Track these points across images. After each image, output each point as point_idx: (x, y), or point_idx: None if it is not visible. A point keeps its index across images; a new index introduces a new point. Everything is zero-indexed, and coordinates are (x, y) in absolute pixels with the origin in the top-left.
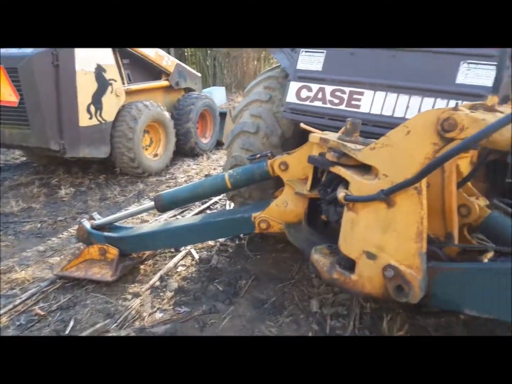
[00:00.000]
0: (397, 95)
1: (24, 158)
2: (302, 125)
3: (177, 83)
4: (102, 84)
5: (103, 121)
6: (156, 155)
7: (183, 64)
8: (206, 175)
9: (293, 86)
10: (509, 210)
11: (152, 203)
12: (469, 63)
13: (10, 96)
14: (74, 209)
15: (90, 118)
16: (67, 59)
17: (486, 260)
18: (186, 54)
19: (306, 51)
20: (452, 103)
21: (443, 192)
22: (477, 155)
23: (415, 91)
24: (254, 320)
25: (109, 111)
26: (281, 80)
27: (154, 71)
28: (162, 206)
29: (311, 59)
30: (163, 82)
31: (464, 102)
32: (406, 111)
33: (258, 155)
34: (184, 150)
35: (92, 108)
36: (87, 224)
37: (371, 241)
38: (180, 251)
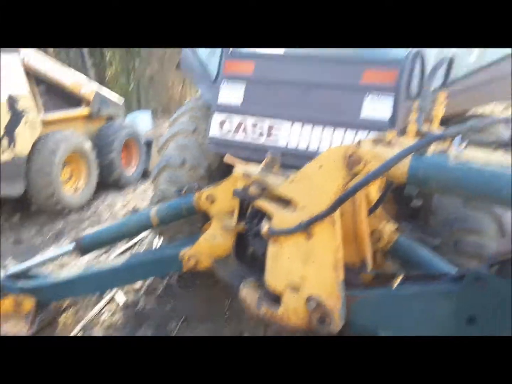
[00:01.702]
0: (311, 127)
1: None
2: (226, 157)
3: (98, 111)
4: (15, 115)
5: (17, 155)
6: (77, 189)
7: (104, 91)
8: (133, 208)
9: (216, 118)
10: (415, 233)
11: (72, 245)
12: (371, 97)
13: None
14: None
15: (3, 152)
16: None
17: (395, 285)
18: (106, 78)
19: (226, 84)
20: (360, 134)
21: (355, 220)
22: (385, 182)
23: (328, 123)
24: None
25: (24, 144)
26: (207, 110)
27: (73, 99)
28: (83, 248)
29: (232, 92)
30: (82, 111)
31: (371, 134)
32: (319, 144)
33: (184, 189)
34: (108, 182)
35: (4, 142)
36: None
37: (294, 273)
38: (104, 296)
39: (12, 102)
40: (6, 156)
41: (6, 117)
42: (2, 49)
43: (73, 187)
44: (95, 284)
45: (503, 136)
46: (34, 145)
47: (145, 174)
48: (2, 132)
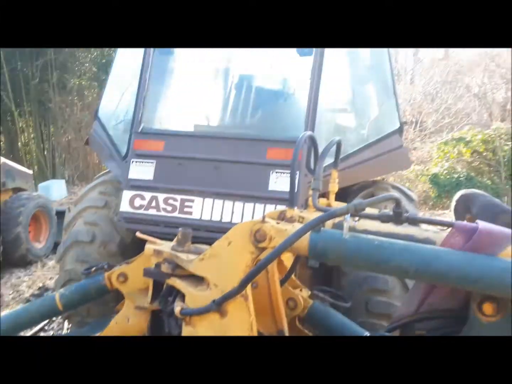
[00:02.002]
0: (223, 201)
1: None
2: (138, 234)
3: (4, 184)
4: None
5: None
6: None
7: (9, 162)
8: (39, 288)
9: (126, 195)
10: (327, 299)
11: None
12: (277, 172)
13: None
14: None
15: None
16: None
17: None
18: (19, 144)
19: (137, 161)
20: (269, 207)
21: (270, 292)
22: None
23: (238, 197)
24: None
25: None
26: (117, 185)
27: None
28: None
29: (142, 169)
30: None
31: (278, 206)
32: (232, 216)
33: (93, 268)
34: (14, 260)
35: None
36: None
37: None
38: None
39: None
40: None
41: None
42: None
43: None
44: None
45: (389, 211)
46: None
47: (55, 248)
48: None
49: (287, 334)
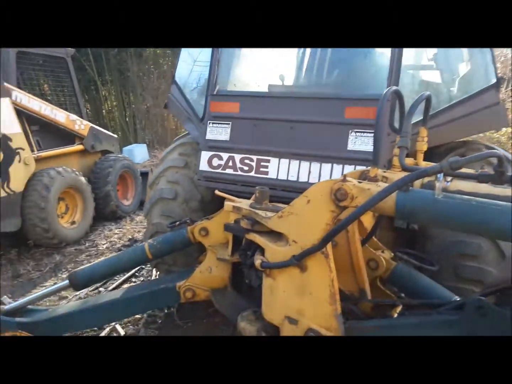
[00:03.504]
0: (299, 162)
1: None
2: (217, 192)
3: (92, 146)
4: (9, 154)
5: (12, 192)
6: (73, 222)
7: (97, 127)
8: (129, 240)
9: (205, 155)
10: (412, 261)
11: (67, 281)
12: (356, 131)
13: None
14: None
15: None
16: None
17: (395, 315)
18: (103, 111)
19: (213, 123)
20: (348, 168)
21: (350, 251)
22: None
23: (314, 158)
24: None
25: (18, 181)
26: (195, 146)
27: (67, 136)
28: (78, 284)
29: (219, 130)
30: (77, 147)
31: (357, 167)
32: (308, 176)
33: (177, 222)
34: (105, 214)
35: None
36: None
37: (291, 306)
38: (104, 328)
39: (5, 141)
40: (1, 193)
41: None
42: None
43: (70, 221)
44: (93, 318)
45: (488, 170)
46: (28, 182)
47: (141, 205)
48: None
49: (368, 293)
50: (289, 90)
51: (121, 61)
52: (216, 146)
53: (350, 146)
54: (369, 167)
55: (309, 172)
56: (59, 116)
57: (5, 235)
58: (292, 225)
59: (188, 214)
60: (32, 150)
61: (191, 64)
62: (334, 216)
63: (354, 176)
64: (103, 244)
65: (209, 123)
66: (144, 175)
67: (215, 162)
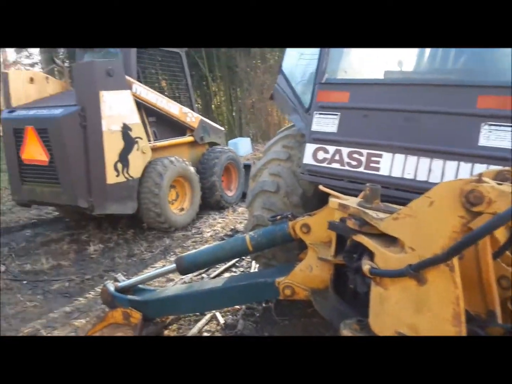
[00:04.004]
0: (417, 158)
1: (57, 213)
2: (321, 187)
3: (201, 138)
4: (128, 142)
5: (130, 178)
6: (182, 209)
7: (206, 120)
8: (231, 230)
9: (309, 148)
10: None
11: (174, 265)
12: (489, 124)
13: (40, 156)
14: (102, 266)
15: (117, 175)
16: (93, 119)
17: None
18: (212, 106)
19: (320, 113)
20: (478, 167)
21: (479, 265)
22: None
23: (437, 154)
24: None
25: (136, 168)
26: (299, 139)
27: (179, 128)
28: (184, 269)
29: (326, 121)
30: (187, 138)
31: (490, 167)
32: (429, 175)
33: (278, 216)
34: (210, 204)
35: (119, 166)
36: (110, 287)
37: (403, 320)
38: (205, 315)
39: (125, 130)
40: (120, 179)
41: (120, 144)
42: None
43: (179, 207)
44: (196, 304)
45: None
46: (145, 169)
47: (243, 197)
48: (117, 157)
49: (499, 316)
50: (407, 76)
51: (231, 57)
52: (322, 139)
53: (482, 142)
54: (508, 167)
55: (430, 170)
56: (173, 108)
57: (126, 217)
58: (410, 229)
59: (289, 208)
60: (149, 140)
61: (298, 54)
62: (464, 223)
63: (489, 175)
64: (207, 232)
65: (316, 113)
66: (247, 167)
67: (321, 155)
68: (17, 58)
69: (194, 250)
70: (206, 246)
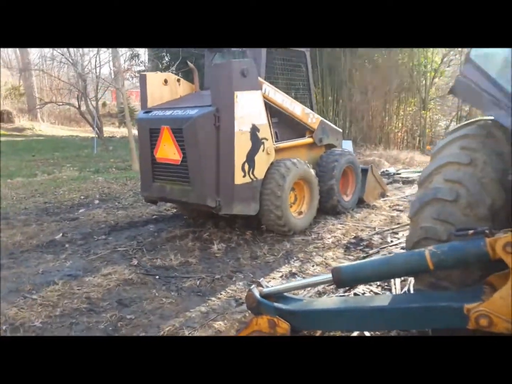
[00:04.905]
0: None
1: (175, 210)
2: None
3: (320, 139)
4: (256, 143)
5: (255, 179)
6: (300, 213)
7: (325, 121)
8: (355, 237)
9: None
10: None
11: (330, 275)
12: None
13: (174, 155)
14: (228, 266)
15: (244, 176)
16: (227, 120)
17: None
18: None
19: None
20: None
21: None
22: None
23: None
24: None
25: (260, 169)
26: (484, 139)
27: (298, 129)
28: (342, 281)
29: None
30: (307, 139)
31: None
32: None
33: (471, 231)
34: (326, 208)
35: (246, 167)
36: (256, 292)
37: None
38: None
39: (254, 131)
40: (246, 179)
41: (248, 144)
42: (248, 87)
43: (297, 210)
44: (353, 322)
45: None
46: (267, 170)
47: (359, 202)
48: (245, 158)
49: None
50: None
51: (335, 57)
52: None
53: None
54: None
55: None
56: (297, 109)
57: (243, 217)
58: None
59: (472, 222)
60: (273, 141)
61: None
62: None
63: None
64: (328, 238)
65: None
66: (363, 171)
67: None
68: (127, 66)
69: (354, 262)
70: (370, 258)
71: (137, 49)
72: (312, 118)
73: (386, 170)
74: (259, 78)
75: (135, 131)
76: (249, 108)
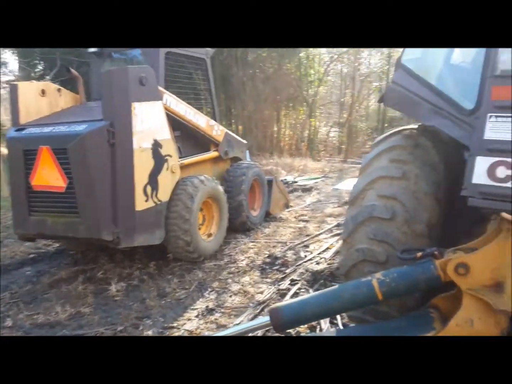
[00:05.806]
0: None
1: (57, 245)
2: (504, 215)
3: (226, 153)
4: (159, 161)
5: (159, 202)
6: (210, 235)
7: (230, 132)
8: (269, 256)
9: (481, 162)
10: None
11: (267, 318)
12: None
13: (56, 181)
14: (132, 312)
15: (146, 200)
16: (124, 136)
17: None
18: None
19: (498, 116)
20: None
21: None
22: None
23: None
24: None
25: (165, 190)
26: (412, 150)
27: (202, 142)
28: (282, 324)
29: (506, 126)
30: (213, 153)
31: None
32: None
33: (419, 253)
34: (235, 226)
35: (149, 189)
36: None
37: None
38: None
39: (156, 147)
40: (149, 204)
41: (150, 163)
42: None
43: (206, 233)
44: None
45: None
46: (173, 191)
47: (266, 216)
48: (147, 179)
49: None
50: None
51: (228, 66)
52: (503, 150)
53: None
54: None
55: None
56: (201, 121)
57: (144, 246)
58: None
59: (410, 239)
60: (177, 157)
61: None
62: None
63: None
64: (241, 260)
65: (490, 116)
66: (269, 183)
67: (501, 172)
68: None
69: (292, 300)
70: (310, 294)
71: (4, 56)
72: (217, 130)
73: (285, 179)
74: (159, 87)
75: (4, 149)
76: (149, 122)
